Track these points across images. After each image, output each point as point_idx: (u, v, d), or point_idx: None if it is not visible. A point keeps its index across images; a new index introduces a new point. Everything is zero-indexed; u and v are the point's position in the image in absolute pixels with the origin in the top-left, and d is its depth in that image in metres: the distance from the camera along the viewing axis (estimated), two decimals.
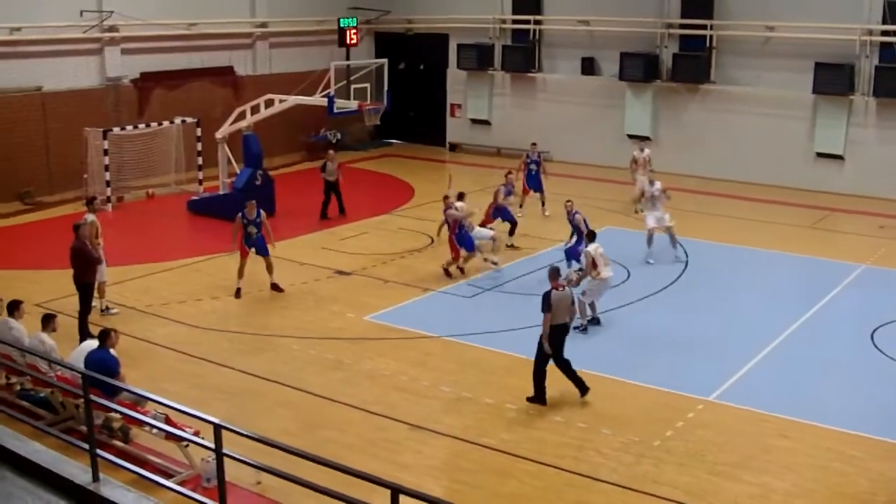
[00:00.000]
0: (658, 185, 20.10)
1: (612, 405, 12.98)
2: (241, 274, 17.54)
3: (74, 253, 14.89)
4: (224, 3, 29.27)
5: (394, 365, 14.32)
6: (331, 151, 24.07)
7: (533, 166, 23.42)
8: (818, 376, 14.14)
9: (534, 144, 23.87)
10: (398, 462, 11.39)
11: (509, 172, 21.45)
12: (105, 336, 11.73)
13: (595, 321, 15.98)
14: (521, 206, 23.00)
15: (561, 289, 12.92)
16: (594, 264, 15.52)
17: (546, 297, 12.68)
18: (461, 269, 18.47)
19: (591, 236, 16.19)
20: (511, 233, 20.59)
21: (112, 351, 11.73)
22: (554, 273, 13.09)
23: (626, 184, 24.64)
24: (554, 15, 30.83)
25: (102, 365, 11.24)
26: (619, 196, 25.04)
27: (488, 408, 12.91)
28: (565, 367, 13.00)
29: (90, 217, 16.20)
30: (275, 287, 17.71)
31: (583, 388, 13.06)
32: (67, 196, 24.85)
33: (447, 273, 18.38)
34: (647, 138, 28.69)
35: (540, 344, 12.80)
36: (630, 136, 29.18)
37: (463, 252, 18.41)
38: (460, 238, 18.34)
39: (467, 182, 27.89)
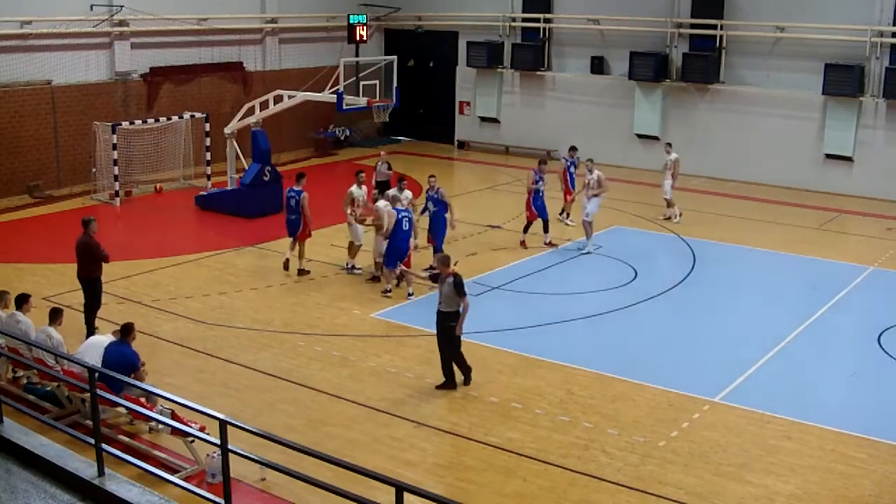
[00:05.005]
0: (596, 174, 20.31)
1: (617, 405, 12.98)
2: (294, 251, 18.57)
3: (82, 248, 14.88)
4: None
5: (399, 362, 14.33)
6: (382, 152, 24.06)
7: (573, 168, 22.41)
8: (824, 378, 14.12)
9: (572, 149, 22.67)
10: (402, 459, 11.40)
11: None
12: (128, 330, 11.82)
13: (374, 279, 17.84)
14: (568, 215, 22.65)
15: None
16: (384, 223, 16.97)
17: (462, 282, 13.12)
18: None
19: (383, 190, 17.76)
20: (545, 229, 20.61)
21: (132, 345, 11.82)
22: (446, 260, 13.55)
23: (635, 183, 24.61)
24: (564, 13, 30.81)
25: (123, 358, 11.41)
26: (628, 195, 25.01)
27: (493, 406, 12.91)
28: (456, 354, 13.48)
29: (354, 189, 18.40)
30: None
31: (467, 376, 13.55)
32: (76, 190, 24.97)
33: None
34: (656, 138, 28.66)
35: (453, 329, 13.16)
36: (639, 136, 29.19)
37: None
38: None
39: (474, 180, 27.93)
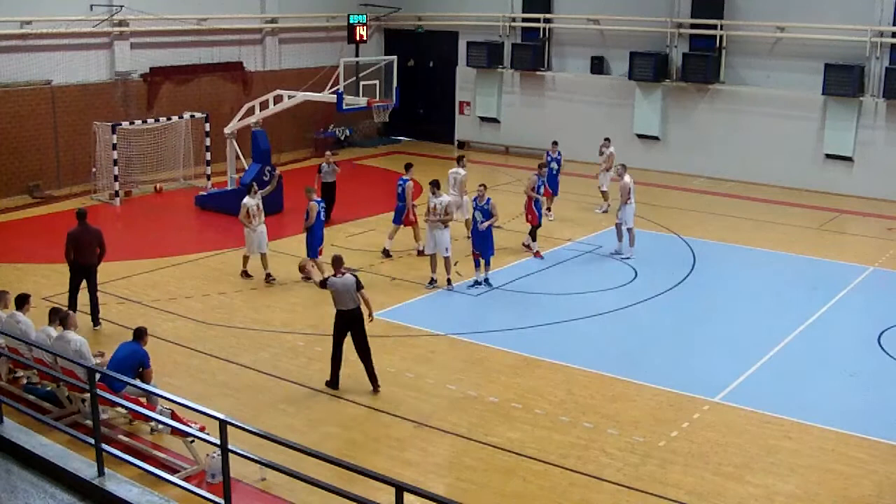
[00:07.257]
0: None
1: (617, 405, 12.97)
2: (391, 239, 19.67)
3: (86, 236, 15.02)
4: None
5: (399, 362, 14.32)
6: (328, 153, 23.91)
7: (554, 165, 22.83)
8: (824, 378, 14.10)
9: (555, 143, 23.51)
10: (403, 459, 11.41)
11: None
12: (141, 334, 11.91)
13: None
14: (548, 210, 22.62)
15: (341, 275, 13.12)
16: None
17: (322, 284, 13.20)
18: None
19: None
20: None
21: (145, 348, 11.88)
22: (337, 261, 13.37)
23: (635, 183, 24.55)
24: (564, 13, 30.80)
25: (135, 355, 11.53)
26: None
27: (493, 406, 12.91)
28: (359, 357, 13.32)
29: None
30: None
31: (374, 384, 13.30)
32: (76, 190, 24.95)
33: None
34: (656, 138, 28.64)
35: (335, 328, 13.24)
36: (639, 136, 29.19)
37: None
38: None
39: (474, 180, 27.91)
